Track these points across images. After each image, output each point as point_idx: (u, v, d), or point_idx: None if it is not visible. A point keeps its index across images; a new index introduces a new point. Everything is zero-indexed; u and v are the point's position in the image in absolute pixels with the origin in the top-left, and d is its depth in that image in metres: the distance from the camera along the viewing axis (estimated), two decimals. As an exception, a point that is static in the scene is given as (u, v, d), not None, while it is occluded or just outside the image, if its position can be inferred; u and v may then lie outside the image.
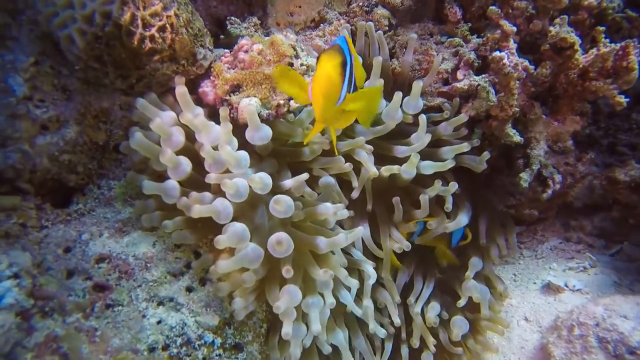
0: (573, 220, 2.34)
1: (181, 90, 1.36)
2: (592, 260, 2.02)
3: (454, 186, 1.66)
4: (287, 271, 1.26)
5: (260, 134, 1.37)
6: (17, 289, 1.01)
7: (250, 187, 1.30)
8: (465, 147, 1.69)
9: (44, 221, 1.36)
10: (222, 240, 1.23)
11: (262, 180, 1.29)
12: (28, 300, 1.05)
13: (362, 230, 1.50)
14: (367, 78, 1.60)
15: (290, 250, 1.27)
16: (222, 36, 1.81)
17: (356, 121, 1.28)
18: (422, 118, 1.63)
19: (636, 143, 2.33)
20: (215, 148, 1.33)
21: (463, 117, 1.68)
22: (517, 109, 1.69)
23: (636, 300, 1.51)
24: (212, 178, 1.31)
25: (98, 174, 1.48)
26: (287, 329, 1.29)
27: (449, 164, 1.66)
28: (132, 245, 1.37)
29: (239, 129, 1.42)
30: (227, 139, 1.32)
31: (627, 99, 1.66)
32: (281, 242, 1.25)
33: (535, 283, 1.99)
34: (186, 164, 1.31)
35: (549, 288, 1.92)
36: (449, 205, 1.68)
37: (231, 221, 1.29)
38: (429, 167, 1.67)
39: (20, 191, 1.35)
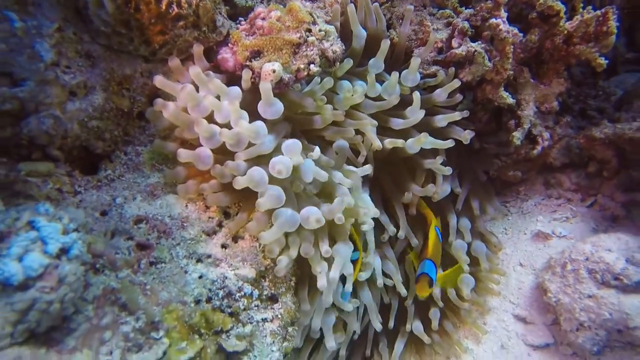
0: (552, 179, 2.56)
1: (195, 71, 1.38)
2: (572, 210, 2.25)
3: (448, 170, 1.82)
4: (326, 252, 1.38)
5: (272, 110, 1.43)
6: (81, 242, 1.04)
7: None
8: (456, 116, 1.82)
9: (76, 187, 1.38)
10: (262, 204, 1.32)
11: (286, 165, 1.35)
12: (88, 255, 1.09)
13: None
14: (373, 56, 1.74)
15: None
16: (226, 7, 1.84)
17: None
18: (416, 95, 1.74)
19: (603, 107, 2.57)
20: (227, 125, 1.38)
21: (456, 83, 1.81)
22: (511, 72, 1.84)
23: (617, 236, 1.73)
24: (241, 157, 1.36)
25: (123, 140, 1.50)
26: (322, 282, 1.39)
27: (449, 144, 1.79)
28: (165, 206, 1.42)
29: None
30: (236, 115, 1.36)
31: (607, 61, 1.85)
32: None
33: (525, 234, 2.19)
34: (218, 135, 1.36)
35: (538, 236, 2.12)
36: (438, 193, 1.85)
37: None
38: (428, 143, 1.79)
39: (50, 158, 1.35)
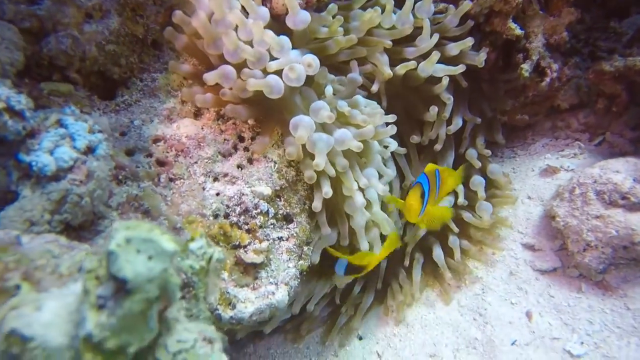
0: (560, 121, 2.57)
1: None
2: (580, 148, 2.26)
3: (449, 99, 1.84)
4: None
5: (301, 17, 1.45)
6: (106, 144, 1.09)
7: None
8: (469, 41, 1.82)
9: (95, 110, 1.42)
10: (300, 135, 1.38)
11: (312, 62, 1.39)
12: (112, 162, 1.14)
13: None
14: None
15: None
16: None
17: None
18: (426, 22, 1.75)
19: (614, 47, 2.54)
20: (249, 43, 1.40)
21: (467, 4, 1.80)
22: (520, 0, 1.83)
23: (625, 159, 1.75)
24: (272, 66, 1.39)
25: (139, 67, 1.53)
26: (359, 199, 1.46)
27: (460, 69, 1.80)
28: (182, 127, 1.46)
29: (273, 19, 1.50)
30: (260, 32, 1.38)
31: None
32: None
33: (533, 170, 2.21)
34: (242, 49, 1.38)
35: (546, 171, 2.15)
36: (446, 114, 1.87)
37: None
38: (440, 70, 1.80)
39: (69, 81, 1.39)
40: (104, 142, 1.08)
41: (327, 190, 1.44)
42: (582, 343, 1.58)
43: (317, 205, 1.49)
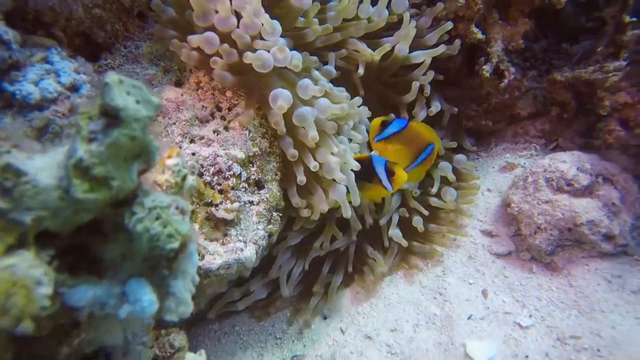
0: (520, 128, 2.77)
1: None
2: (536, 149, 2.44)
3: (431, 74, 1.98)
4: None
5: (307, 0, 1.58)
6: (90, 86, 1.15)
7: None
8: (449, 25, 1.98)
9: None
10: (281, 105, 1.47)
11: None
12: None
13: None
14: None
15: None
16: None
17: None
18: (407, 14, 1.92)
19: (565, 65, 2.81)
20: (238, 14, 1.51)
21: (439, 6, 1.98)
22: (481, 6, 2.03)
23: (572, 152, 1.93)
24: (259, 45, 1.49)
25: (123, 35, 1.61)
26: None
27: (441, 49, 1.95)
28: (162, 92, 1.53)
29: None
30: (257, 5, 1.50)
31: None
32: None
33: (493, 167, 2.37)
34: (234, 18, 1.47)
35: (505, 167, 2.30)
36: (427, 91, 2.00)
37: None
38: (420, 55, 1.95)
39: (54, 38, 1.45)
40: (88, 83, 1.14)
41: (314, 164, 1.54)
42: (530, 316, 1.68)
43: (302, 178, 1.55)
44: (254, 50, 1.48)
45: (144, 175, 0.77)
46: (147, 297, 0.71)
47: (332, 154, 1.57)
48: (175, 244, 0.73)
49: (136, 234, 0.71)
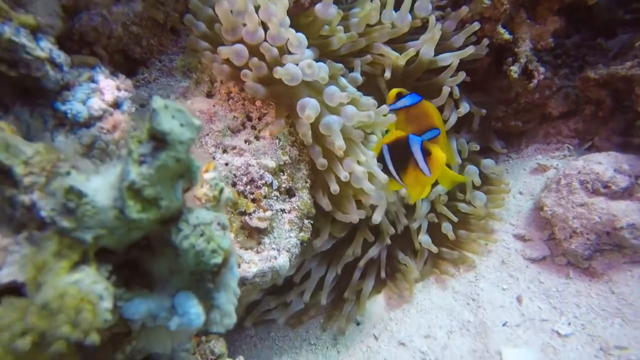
0: (552, 128, 2.70)
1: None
2: (570, 150, 2.38)
3: (461, 75, 1.95)
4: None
5: (332, 10, 1.60)
6: (131, 102, 1.20)
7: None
8: (476, 26, 1.95)
9: (118, 84, 1.54)
10: (309, 115, 1.49)
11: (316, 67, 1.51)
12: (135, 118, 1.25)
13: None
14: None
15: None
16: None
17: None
18: (432, 18, 1.90)
19: (599, 61, 2.72)
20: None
21: (465, 9, 1.96)
22: (507, 6, 2.00)
23: (607, 153, 1.87)
24: (288, 59, 1.51)
25: (158, 49, 1.67)
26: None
27: (469, 50, 1.91)
28: (196, 103, 1.58)
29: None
30: (282, 16, 1.53)
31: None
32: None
33: (525, 169, 2.32)
34: (262, 30, 1.50)
35: (537, 169, 2.25)
36: (457, 93, 1.98)
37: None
38: (448, 57, 1.92)
39: (96, 56, 1.52)
40: (129, 100, 1.19)
41: (345, 174, 1.54)
42: (569, 324, 1.64)
43: (335, 187, 1.57)
44: (282, 64, 1.51)
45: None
46: (194, 310, 0.74)
47: (359, 162, 1.58)
48: (218, 259, 0.76)
49: (183, 250, 0.74)
